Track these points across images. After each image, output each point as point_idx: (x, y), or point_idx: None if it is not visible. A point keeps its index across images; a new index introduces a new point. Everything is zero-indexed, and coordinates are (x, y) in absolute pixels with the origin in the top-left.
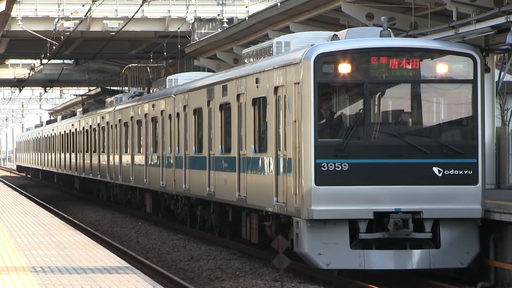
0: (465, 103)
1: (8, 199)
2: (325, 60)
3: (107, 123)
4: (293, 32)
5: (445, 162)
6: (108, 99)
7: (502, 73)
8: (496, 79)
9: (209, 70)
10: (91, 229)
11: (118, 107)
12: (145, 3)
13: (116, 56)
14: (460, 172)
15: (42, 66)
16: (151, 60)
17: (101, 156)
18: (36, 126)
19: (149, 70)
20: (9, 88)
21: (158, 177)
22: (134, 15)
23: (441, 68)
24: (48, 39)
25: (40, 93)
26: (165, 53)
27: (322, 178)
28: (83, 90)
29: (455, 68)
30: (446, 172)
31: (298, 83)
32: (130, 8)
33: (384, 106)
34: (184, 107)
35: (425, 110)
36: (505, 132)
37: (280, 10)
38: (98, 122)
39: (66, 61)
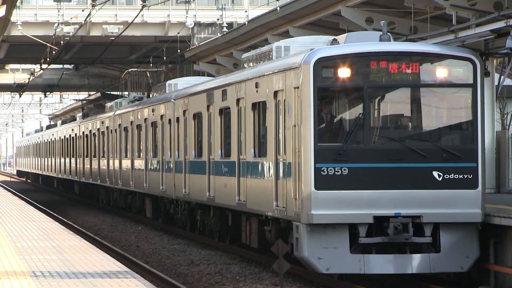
0: (464, 107)
1: (8, 204)
2: (325, 65)
3: (107, 127)
4: (293, 37)
5: (445, 166)
6: (108, 104)
7: (502, 77)
8: (496, 83)
9: (209, 75)
10: (91, 233)
11: (118, 112)
12: (145, 7)
13: (116, 60)
14: (460, 176)
15: (42, 71)
16: (151, 64)
17: (101, 161)
18: (36, 131)
19: (148, 75)
20: (9, 93)
21: (158, 181)
22: (133, 20)
23: (441, 72)
24: (48, 44)
25: (40, 98)
26: (164, 58)
27: (322, 182)
28: (83, 95)
29: (455, 72)
30: (446, 176)
31: (298, 88)
32: (129, 13)
33: (383, 110)
34: (184, 111)
35: (425, 114)
36: (505, 136)
37: (280, 14)
38: (98, 127)
39: (66, 66)
